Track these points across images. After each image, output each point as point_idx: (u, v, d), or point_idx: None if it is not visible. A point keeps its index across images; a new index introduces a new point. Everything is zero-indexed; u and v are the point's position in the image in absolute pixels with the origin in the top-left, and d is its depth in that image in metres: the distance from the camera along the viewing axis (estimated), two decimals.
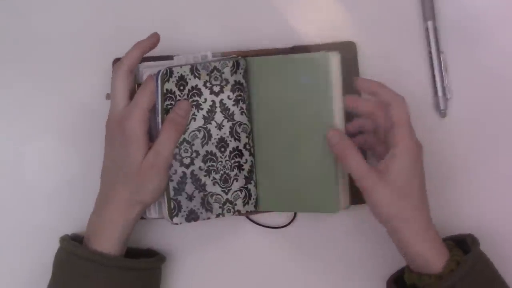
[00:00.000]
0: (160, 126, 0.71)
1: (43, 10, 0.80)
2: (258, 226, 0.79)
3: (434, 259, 0.68)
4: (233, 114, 0.74)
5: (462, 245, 0.71)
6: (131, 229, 0.71)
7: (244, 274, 0.79)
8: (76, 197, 0.78)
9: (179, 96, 0.72)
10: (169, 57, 0.76)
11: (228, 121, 0.74)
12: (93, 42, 0.80)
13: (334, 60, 0.71)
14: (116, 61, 0.77)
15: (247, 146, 0.75)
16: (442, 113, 0.80)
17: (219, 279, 0.79)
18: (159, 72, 0.71)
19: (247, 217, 0.79)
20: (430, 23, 0.80)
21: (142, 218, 0.75)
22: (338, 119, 0.71)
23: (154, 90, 0.70)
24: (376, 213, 0.69)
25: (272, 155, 0.74)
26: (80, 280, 0.69)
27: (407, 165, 0.68)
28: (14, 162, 0.79)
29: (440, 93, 0.79)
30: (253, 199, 0.75)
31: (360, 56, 0.80)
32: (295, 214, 0.79)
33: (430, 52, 0.80)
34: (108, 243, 0.69)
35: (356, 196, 0.72)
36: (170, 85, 0.71)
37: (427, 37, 0.80)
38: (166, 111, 0.71)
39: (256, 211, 0.76)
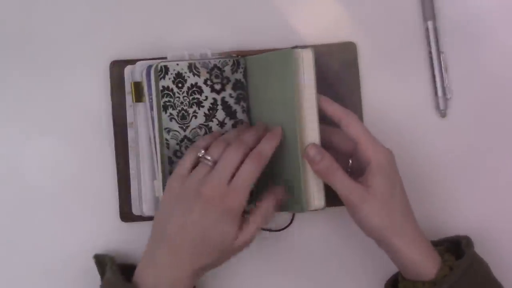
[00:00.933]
0: (155, 120, 0.71)
1: (43, 11, 0.80)
2: None
3: (426, 266, 0.68)
4: (235, 112, 0.74)
5: (458, 248, 0.71)
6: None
7: (240, 277, 0.78)
8: (75, 197, 0.78)
9: (178, 93, 0.72)
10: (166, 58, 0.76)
11: (230, 119, 0.74)
12: (92, 43, 0.80)
13: (304, 58, 0.67)
14: (115, 62, 0.77)
15: None
16: (442, 113, 0.80)
17: (215, 282, 0.78)
18: (150, 66, 0.71)
19: None
20: (430, 23, 0.80)
21: (141, 218, 0.76)
22: (309, 121, 0.68)
23: (261, 169, 0.67)
24: (365, 228, 0.68)
25: None
26: None
27: (386, 177, 0.68)
28: (13, 162, 0.79)
29: (440, 93, 0.79)
30: (254, 198, 0.75)
31: (360, 56, 0.80)
32: (292, 217, 0.78)
33: (430, 52, 0.80)
34: None
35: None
36: (167, 82, 0.71)
37: (427, 37, 0.80)
38: (164, 108, 0.71)
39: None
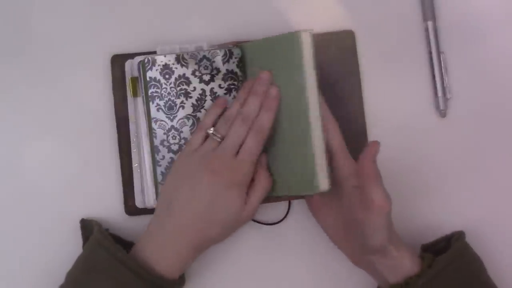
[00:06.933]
0: (146, 111, 0.73)
1: (42, 10, 0.81)
2: (251, 222, 0.78)
3: (415, 263, 0.68)
4: None
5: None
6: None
7: (236, 270, 0.78)
8: (80, 193, 0.78)
9: (165, 84, 0.73)
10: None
11: None
12: (93, 37, 0.80)
13: (305, 39, 0.69)
14: (115, 57, 0.78)
15: None
16: (442, 113, 0.80)
17: (212, 275, 0.78)
18: (139, 62, 0.73)
19: None
20: (430, 23, 0.80)
21: (146, 211, 0.76)
22: (312, 100, 0.69)
23: (264, 141, 0.71)
24: (370, 241, 0.68)
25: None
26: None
27: (379, 223, 0.67)
28: (13, 162, 0.79)
29: (440, 93, 0.79)
30: None
31: (360, 57, 0.80)
32: (287, 211, 0.79)
33: (430, 52, 0.80)
34: (169, 268, 0.69)
35: None
36: (154, 73, 0.73)
37: (427, 37, 0.80)
38: (151, 98, 0.73)
39: None
